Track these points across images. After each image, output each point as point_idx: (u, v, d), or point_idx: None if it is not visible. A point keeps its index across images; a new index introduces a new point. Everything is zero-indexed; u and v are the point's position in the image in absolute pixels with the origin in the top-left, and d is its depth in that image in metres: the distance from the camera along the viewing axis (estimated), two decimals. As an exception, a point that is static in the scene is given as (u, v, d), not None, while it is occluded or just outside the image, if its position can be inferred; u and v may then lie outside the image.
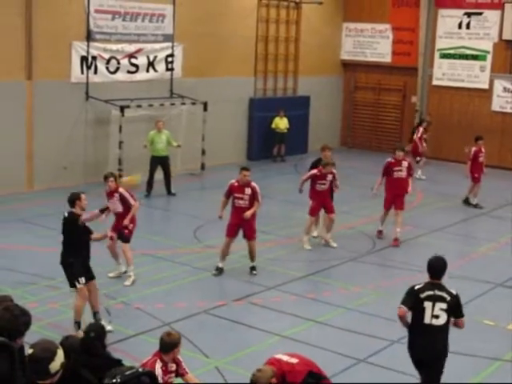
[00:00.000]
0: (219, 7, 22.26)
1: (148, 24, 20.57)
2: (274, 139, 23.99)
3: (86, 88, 19.13)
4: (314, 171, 14.61)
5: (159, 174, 18.55)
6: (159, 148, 18.34)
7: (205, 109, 21.12)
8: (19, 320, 5.37)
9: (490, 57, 24.36)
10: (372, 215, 16.58)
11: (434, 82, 25.51)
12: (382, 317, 11.08)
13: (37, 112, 18.20)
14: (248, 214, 12.59)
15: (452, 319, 7.86)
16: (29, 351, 5.01)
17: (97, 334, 6.59)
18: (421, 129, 22.51)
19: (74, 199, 10.05)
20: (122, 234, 12.05)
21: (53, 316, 10.58)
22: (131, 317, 10.88)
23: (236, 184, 12.76)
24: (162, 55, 21.01)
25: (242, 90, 23.50)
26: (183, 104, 20.92)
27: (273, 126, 23.92)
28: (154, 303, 11.34)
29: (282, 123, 23.92)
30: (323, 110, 26.51)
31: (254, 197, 12.67)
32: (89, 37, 19.06)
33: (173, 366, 7.34)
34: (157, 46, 20.88)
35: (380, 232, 15.62)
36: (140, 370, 5.39)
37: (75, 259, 10.00)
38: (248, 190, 12.66)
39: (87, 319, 9.87)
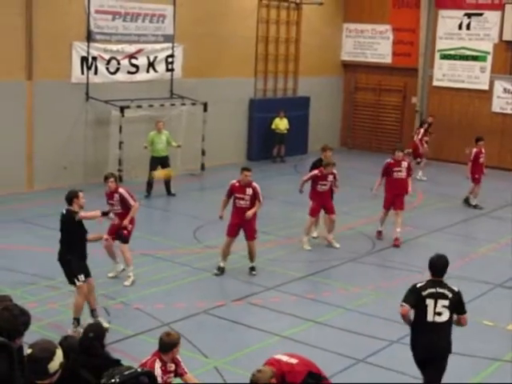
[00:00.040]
0: (219, 8, 22.27)
1: (148, 24, 20.58)
2: (273, 140, 23.99)
3: (86, 88, 19.14)
4: (315, 172, 14.59)
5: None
6: (159, 148, 18.33)
7: (205, 109, 21.12)
8: (18, 320, 5.38)
9: (490, 58, 24.35)
10: (371, 216, 16.57)
11: (435, 83, 25.51)
12: (382, 317, 11.10)
13: (37, 112, 18.20)
14: (250, 213, 12.59)
15: (455, 316, 7.87)
16: (28, 351, 5.01)
17: (96, 334, 6.60)
18: (421, 130, 22.52)
19: (71, 197, 10.06)
20: (121, 234, 12.03)
21: (52, 316, 10.58)
22: (130, 317, 10.88)
23: (237, 184, 12.76)
24: (162, 56, 21.01)
25: (242, 90, 23.50)
26: (183, 104, 20.92)
27: (273, 126, 23.91)
28: (154, 303, 11.34)
29: (282, 124, 23.90)
30: (323, 111, 26.50)
31: (255, 197, 12.67)
32: (89, 37, 19.07)
33: (172, 366, 7.36)
34: (157, 46, 20.88)
35: (379, 233, 15.62)
36: (139, 369, 5.39)
37: (72, 256, 10.01)
38: (249, 191, 12.67)
39: (85, 317, 9.87)
